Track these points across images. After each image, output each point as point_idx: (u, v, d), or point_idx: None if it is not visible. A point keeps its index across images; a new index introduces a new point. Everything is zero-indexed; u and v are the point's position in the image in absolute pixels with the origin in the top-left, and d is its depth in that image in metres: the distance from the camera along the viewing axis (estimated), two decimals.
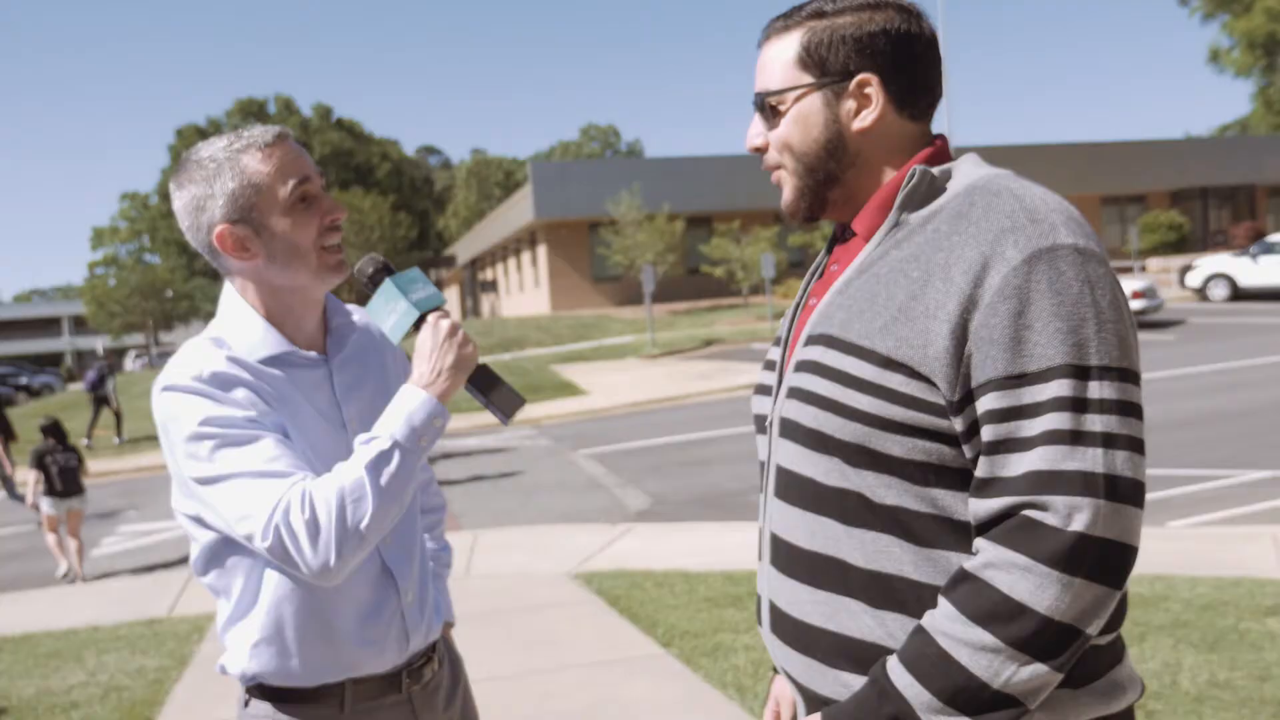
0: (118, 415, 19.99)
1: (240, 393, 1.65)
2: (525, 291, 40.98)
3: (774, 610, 1.42)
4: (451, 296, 57.98)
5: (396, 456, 1.59)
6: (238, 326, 1.73)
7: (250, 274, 1.73)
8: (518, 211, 38.77)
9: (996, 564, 1.17)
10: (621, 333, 29.89)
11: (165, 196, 70.02)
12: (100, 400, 19.74)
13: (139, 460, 17.02)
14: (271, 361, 1.72)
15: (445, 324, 1.66)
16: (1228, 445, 9.59)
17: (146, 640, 6.25)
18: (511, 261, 43.72)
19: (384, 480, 1.57)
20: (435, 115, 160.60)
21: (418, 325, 1.68)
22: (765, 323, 28.31)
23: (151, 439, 19.46)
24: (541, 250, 37.20)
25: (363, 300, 1.80)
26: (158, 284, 64.91)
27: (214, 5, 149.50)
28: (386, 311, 1.68)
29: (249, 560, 1.70)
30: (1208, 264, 25.28)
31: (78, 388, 42.28)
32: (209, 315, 71.37)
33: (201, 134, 71.63)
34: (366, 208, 47.38)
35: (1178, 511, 7.50)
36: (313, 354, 1.78)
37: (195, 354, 1.69)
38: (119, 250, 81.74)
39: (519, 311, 41.09)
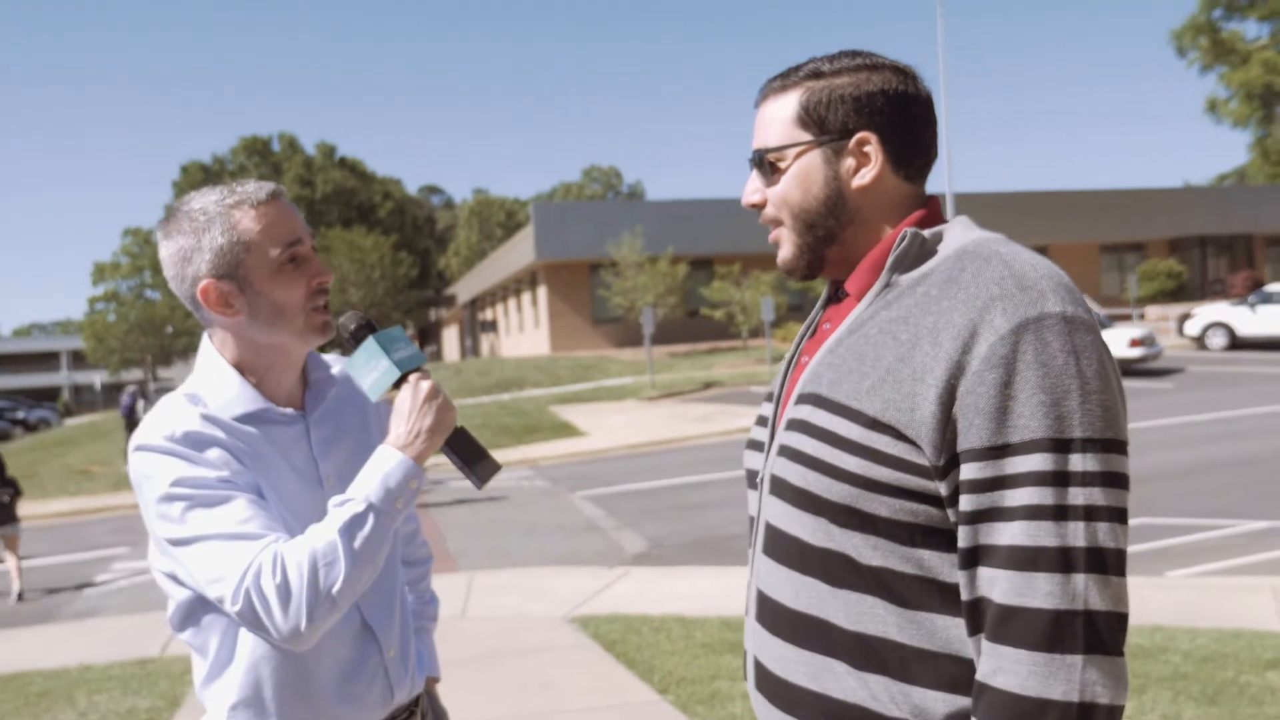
0: None
1: (213, 452, 1.62)
2: (525, 332, 41.05)
3: (759, 668, 1.42)
4: (451, 336, 58.01)
5: (371, 520, 1.56)
6: (214, 383, 1.72)
7: (232, 329, 1.72)
8: (519, 252, 38.94)
9: (1003, 668, 1.18)
10: (621, 374, 29.89)
11: None
12: (134, 425, 20.77)
13: (133, 497, 16.92)
14: (247, 419, 1.70)
15: (426, 385, 1.65)
16: (1226, 495, 9.57)
17: (139, 680, 6.19)
18: (512, 301, 43.84)
19: (357, 544, 1.54)
20: (438, 155, 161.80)
21: (398, 384, 1.67)
22: (764, 366, 28.33)
23: None
24: (542, 291, 37.31)
25: (345, 351, 1.80)
26: (157, 320, 65.04)
27: (220, 42, 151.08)
28: (367, 369, 1.67)
29: (225, 619, 1.67)
30: (1206, 313, 25.36)
31: (76, 422, 42.25)
32: None
33: (206, 171, 72.11)
34: (368, 246, 47.61)
35: (1177, 561, 7.47)
36: (289, 411, 1.75)
37: (169, 412, 1.67)
38: (120, 286, 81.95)
39: (518, 351, 41.13)
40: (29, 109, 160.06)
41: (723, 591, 7.36)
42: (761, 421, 1.52)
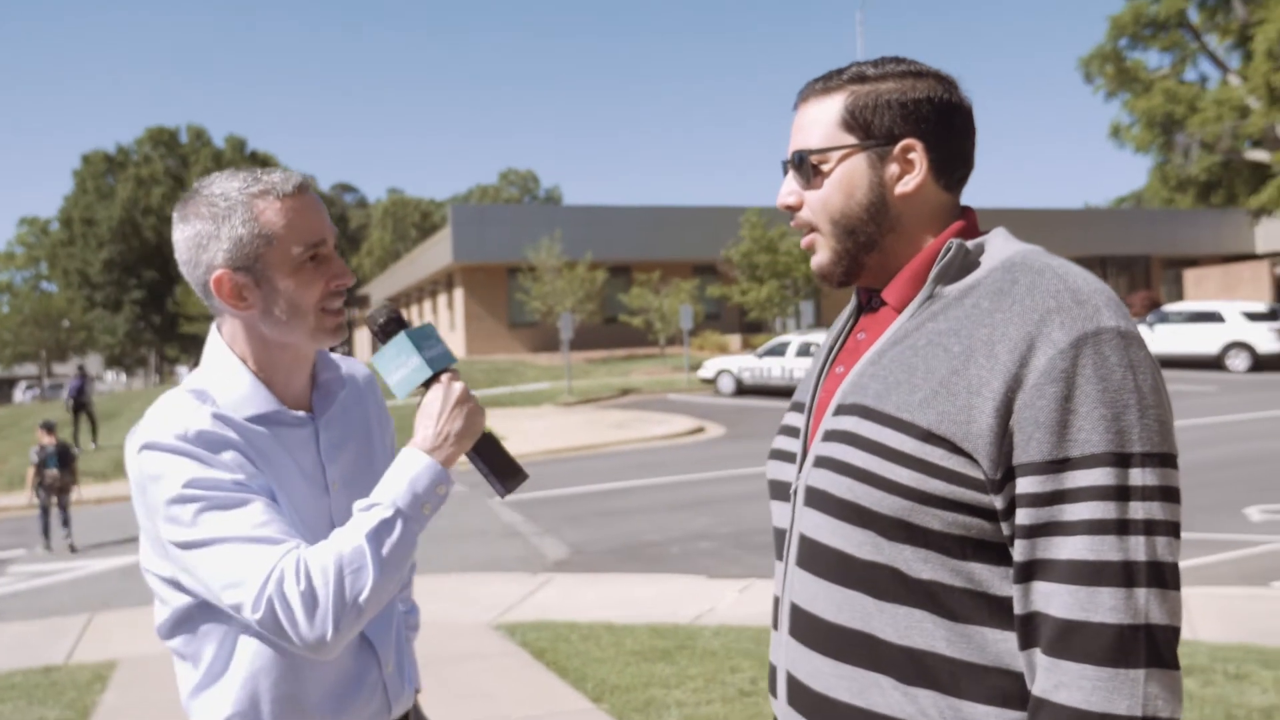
0: (94, 423, 22.41)
1: (227, 454, 1.53)
2: (441, 334, 40.52)
3: (793, 683, 1.39)
4: (364, 337, 57.13)
5: (399, 526, 1.49)
6: (223, 379, 1.62)
7: (243, 322, 1.63)
8: (435, 253, 38.53)
9: (1065, 683, 1.17)
10: (538, 379, 29.75)
11: (67, 223, 68.06)
12: (80, 407, 22.01)
13: (30, 498, 16.27)
14: (258, 419, 1.61)
15: (458, 387, 1.58)
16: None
17: (43, 690, 5.93)
18: (427, 303, 43.33)
19: (385, 551, 1.47)
20: (352, 152, 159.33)
21: (427, 384, 1.60)
22: (682, 373, 28.46)
23: None
24: (459, 293, 36.97)
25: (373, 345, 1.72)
26: (53, 313, 62.79)
27: (125, 31, 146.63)
28: (395, 365, 1.60)
29: (223, 627, 1.59)
30: None
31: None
32: (107, 347, 69.20)
33: (109, 160, 69.92)
34: None
35: None
36: (300, 413, 1.67)
37: (177, 410, 1.57)
38: (14, 277, 78.96)
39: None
40: None
41: (649, 598, 7.36)
42: (789, 431, 1.49)
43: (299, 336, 1.62)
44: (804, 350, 23.43)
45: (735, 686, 5.09)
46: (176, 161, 70.57)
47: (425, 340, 1.61)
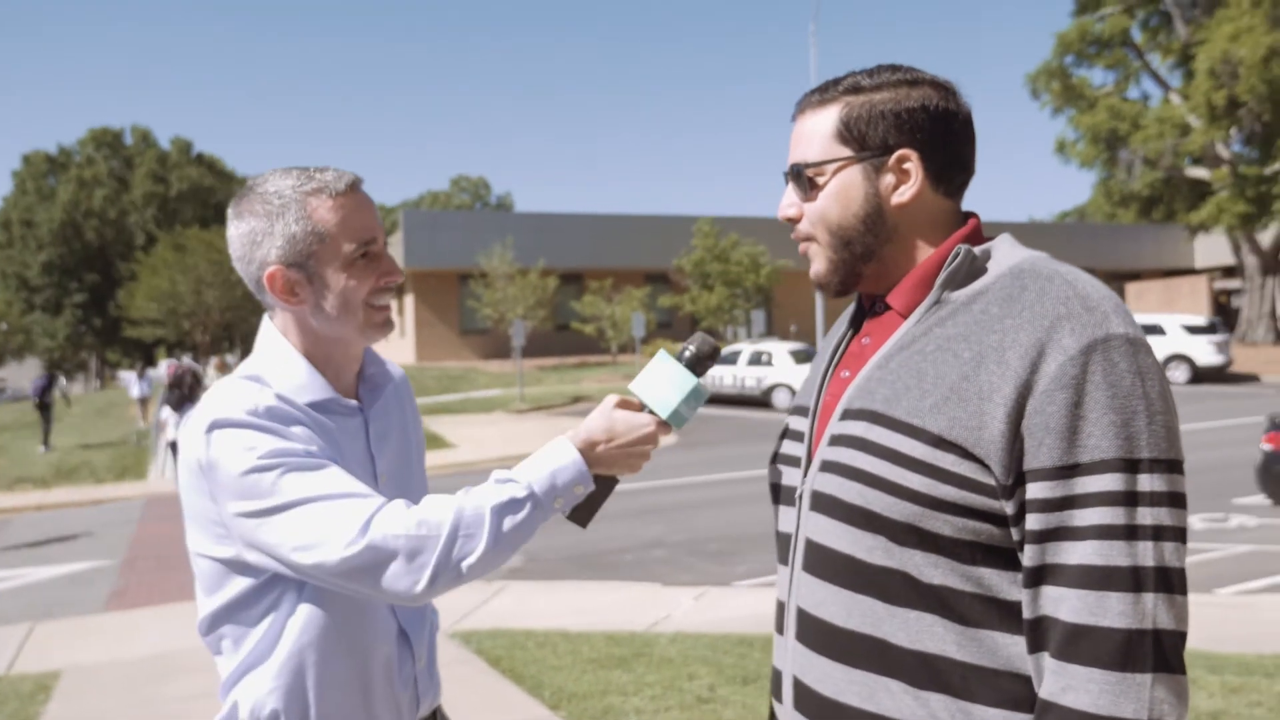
0: (48, 425, 22.36)
1: (298, 429, 1.56)
2: (390, 341, 40.20)
3: (800, 688, 1.38)
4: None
5: (527, 508, 1.50)
6: (281, 366, 1.65)
7: (295, 317, 1.66)
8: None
9: (1072, 686, 1.18)
10: (489, 386, 29.62)
11: (6, 225, 66.59)
12: (46, 407, 22.19)
13: None
14: (316, 406, 1.64)
15: (652, 437, 1.58)
16: None
17: None
18: None
19: (505, 527, 1.48)
20: (301, 156, 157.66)
21: (653, 414, 1.59)
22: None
23: None
24: (409, 300, 36.69)
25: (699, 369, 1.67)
26: None
27: (68, 30, 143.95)
28: (662, 383, 1.58)
29: (275, 611, 1.60)
30: None
31: None
32: (46, 351, 67.72)
33: (51, 161, 68.60)
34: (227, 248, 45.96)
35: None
36: (352, 402, 1.70)
37: (240, 391, 1.59)
38: None
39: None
40: None
41: (605, 606, 7.35)
42: (794, 436, 1.49)
43: (349, 331, 1.65)
44: (755, 359, 23.54)
45: (693, 694, 5.09)
46: (120, 163, 69.39)
47: (694, 400, 1.60)
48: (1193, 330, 25.48)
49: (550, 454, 1.55)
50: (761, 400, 23.12)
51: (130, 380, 30.18)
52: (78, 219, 64.94)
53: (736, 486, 13.10)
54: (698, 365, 1.59)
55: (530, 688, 5.38)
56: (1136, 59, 35.10)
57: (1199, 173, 33.47)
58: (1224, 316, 37.98)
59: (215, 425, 1.54)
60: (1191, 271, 42.78)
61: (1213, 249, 42.61)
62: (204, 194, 67.95)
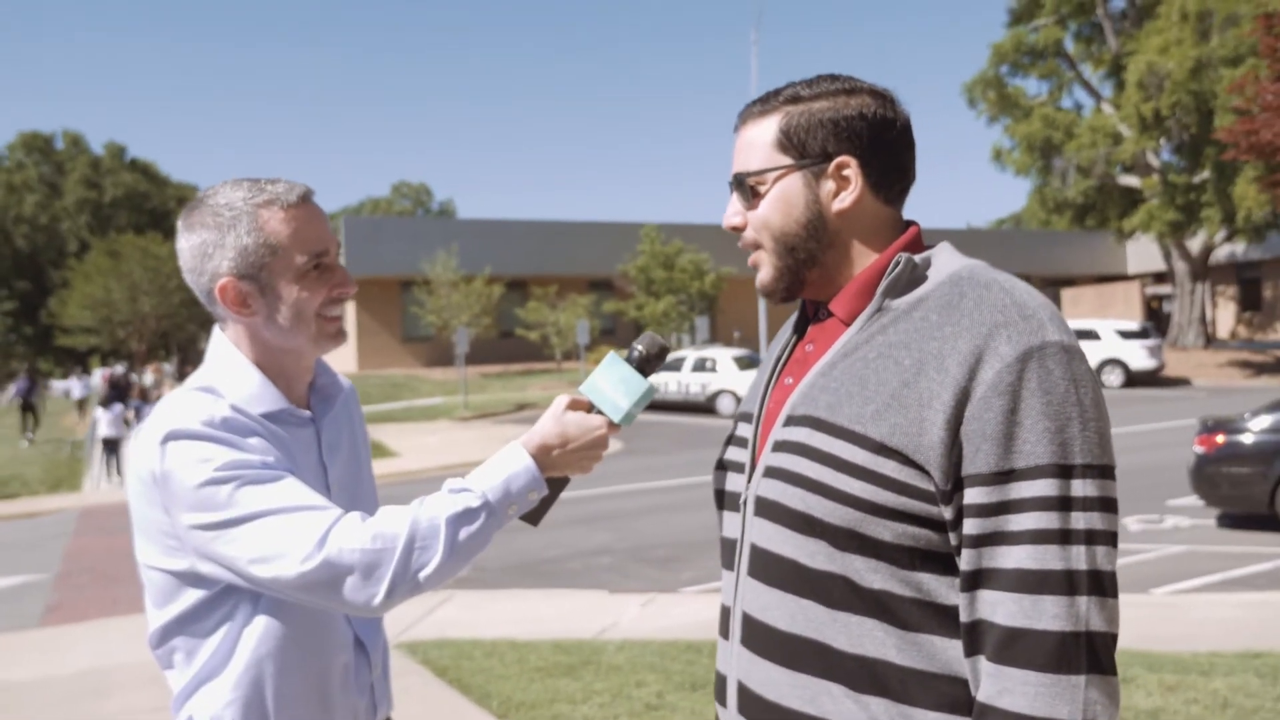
0: (37, 420, 25.43)
1: (255, 440, 1.54)
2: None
3: (743, 691, 1.39)
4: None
5: (482, 518, 1.51)
6: (234, 377, 1.64)
7: (246, 328, 1.65)
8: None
9: (1009, 689, 1.20)
10: (432, 394, 29.40)
11: None
12: (28, 406, 25.07)
13: None
14: (270, 417, 1.63)
15: (604, 439, 1.62)
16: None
17: None
18: None
19: (461, 537, 1.49)
20: (238, 162, 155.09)
21: (601, 413, 1.62)
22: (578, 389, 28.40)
23: None
24: (351, 307, 36.30)
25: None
26: None
27: None
28: (611, 387, 1.61)
29: (229, 622, 1.59)
30: None
31: None
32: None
33: None
34: (164, 254, 45.19)
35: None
36: (305, 413, 1.70)
37: (194, 403, 1.57)
38: None
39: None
40: None
41: (551, 614, 7.33)
42: (738, 442, 1.50)
43: (301, 342, 1.65)
44: (699, 365, 23.63)
45: (641, 701, 5.09)
46: (51, 168, 67.90)
47: (643, 401, 1.63)
48: (1126, 335, 26.07)
49: (504, 461, 1.56)
50: (706, 406, 23.22)
51: (71, 385, 31.46)
52: (7, 225, 63.44)
53: (682, 493, 13.13)
54: (646, 365, 1.62)
55: (478, 698, 5.35)
56: (1069, 69, 35.78)
57: (1130, 181, 34.21)
58: (1156, 321, 38.93)
59: (170, 437, 1.52)
60: (1124, 277, 43.72)
61: (1144, 255, 43.63)
62: (138, 200, 66.76)
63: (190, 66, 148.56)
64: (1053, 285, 44.38)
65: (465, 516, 1.49)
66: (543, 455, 1.58)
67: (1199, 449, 9.69)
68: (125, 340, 48.46)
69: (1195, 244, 34.22)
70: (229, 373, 1.65)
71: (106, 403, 18.46)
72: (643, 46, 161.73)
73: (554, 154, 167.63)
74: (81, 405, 26.66)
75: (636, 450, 17.70)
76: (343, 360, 37.03)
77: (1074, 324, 26.86)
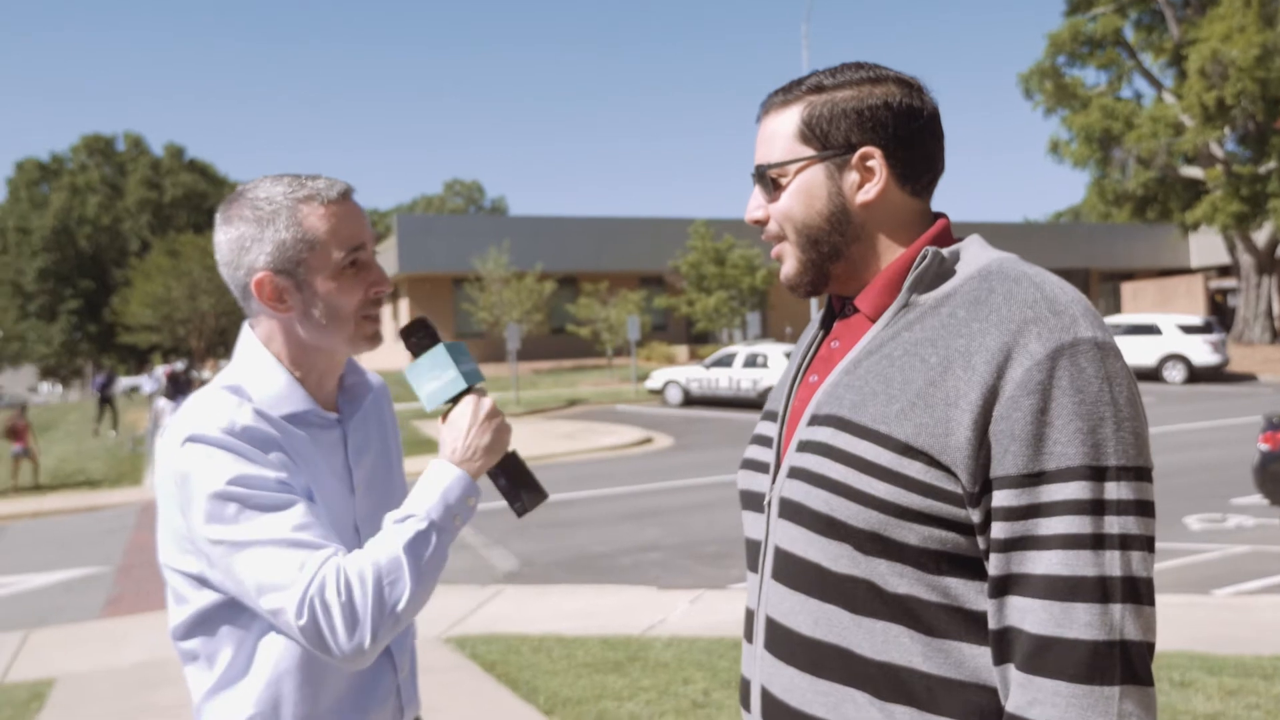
0: (116, 414, 26.79)
1: (273, 453, 1.54)
2: (386, 345, 40.08)
3: (767, 697, 1.36)
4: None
5: (434, 537, 1.51)
6: (260, 377, 1.63)
7: (281, 325, 1.64)
8: (380, 263, 38.18)
9: (1040, 700, 1.16)
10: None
11: (0, 232, 66.48)
12: (106, 400, 26.43)
13: None
14: (293, 418, 1.62)
15: (487, 402, 1.61)
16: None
17: None
18: None
19: (423, 561, 1.50)
20: (294, 162, 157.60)
21: (457, 398, 1.61)
22: (629, 384, 28.45)
23: None
24: (404, 304, 36.65)
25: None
26: None
27: (61, 38, 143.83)
28: (430, 376, 1.60)
29: (245, 629, 1.58)
30: None
31: None
32: (42, 358, 67.65)
33: (43, 169, 68.51)
34: None
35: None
36: (330, 415, 1.69)
37: (218, 405, 1.57)
38: None
39: (379, 365, 40.19)
40: None
41: (600, 610, 7.32)
42: (762, 441, 1.47)
43: (335, 341, 1.64)
44: (751, 361, 23.54)
45: (688, 698, 5.07)
46: (113, 170, 69.34)
47: (461, 355, 1.63)
48: (1189, 330, 25.51)
49: (433, 478, 1.57)
50: (757, 402, 23.11)
51: (141, 380, 33.30)
52: (71, 225, 64.91)
53: (732, 489, 13.01)
54: (425, 340, 1.64)
55: (525, 693, 5.36)
56: (1129, 58, 35.06)
57: (1193, 172, 33.46)
58: (1220, 316, 38.00)
59: (191, 439, 1.52)
60: (1187, 271, 42.84)
61: (1208, 248, 42.71)
62: (197, 200, 67.94)
63: (247, 67, 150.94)
64: (1113, 279, 43.60)
65: (419, 540, 1.50)
66: (462, 457, 1.58)
67: (1264, 446, 9.42)
68: (185, 338, 49.36)
69: (1261, 236, 33.41)
70: (256, 371, 1.63)
71: (170, 397, 18.84)
72: (694, 42, 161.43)
73: (605, 150, 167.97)
74: (152, 400, 27.75)
75: (688, 446, 17.67)
76: (396, 357, 37.40)
77: (1135, 319, 26.38)
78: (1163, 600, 6.87)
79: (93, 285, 65.07)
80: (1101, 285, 44.32)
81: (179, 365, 37.63)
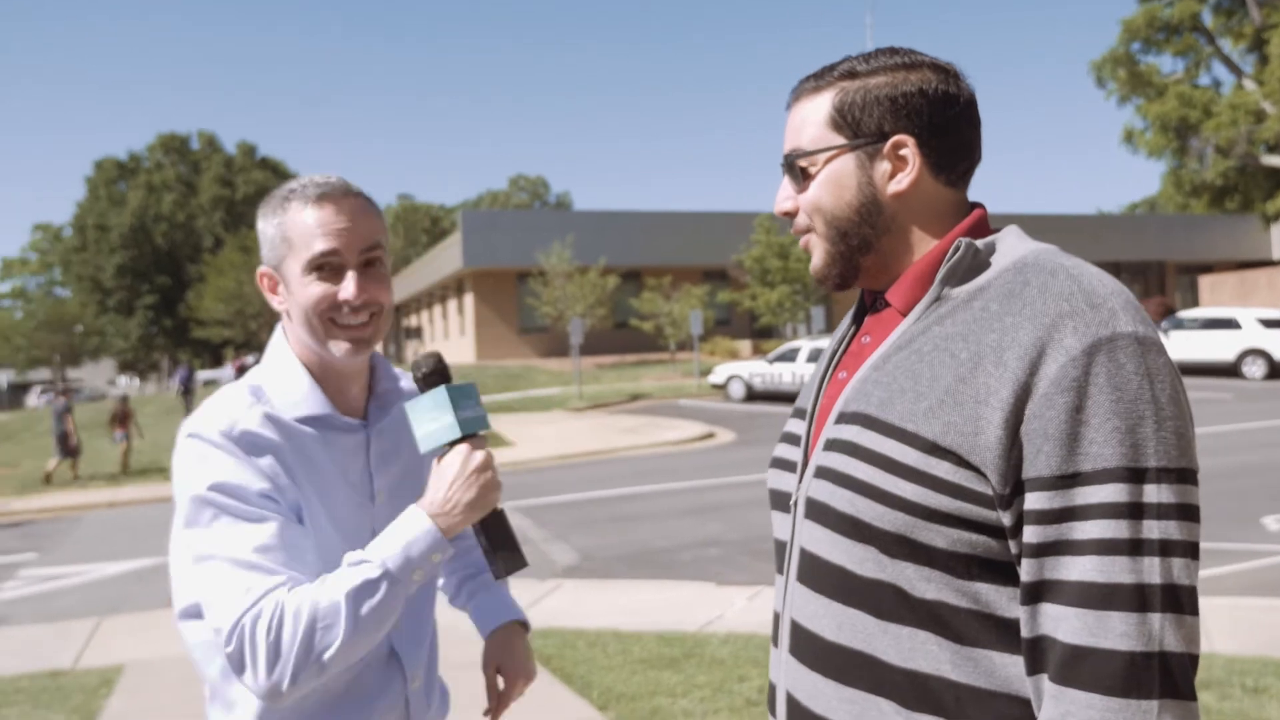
0: (194, 408, 29.90)
1: (266, 460, 1.53)
2: (451, 339, 40.63)
3: (792, 703, 1.33)
4: None
5: (384, 588, 1.46)
6: (281, 378, 1.63)
7: (287, 322, 1.66)
8: (446, 259, 38.57)
9: (1072, 713, 1.10)
10: (547, 384, 29.73)
11: (80, 229, 68.42)
12: (188, 393, 27.60)
13: (41, 502, 16.34)
14: (309, 421, 1.61)
15: (479, 456, 1.53)
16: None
17: (49, 694, 5.91)
18: (437, 309, 43.37)
19: (363, 611, 1.44)
20: (362, 158, 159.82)
21: (454, 443, 1.56)
22: (692, 379, 28.40)
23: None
24: (469, 299, 36.98)
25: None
26: (66, 318, 63.15)
27: (138, 38, 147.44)
28: (428, 418, 1.55)
29: None
30: None
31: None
32: (120, 352, 69.50)
33: (121, 167, 70.29)
34: None
35: None
36: (352, 420, 1.67)
37: (230, 404, 1.58)
38: (28, 283, 79.34)
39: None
40: None
41: (659, 605, 7.30)
42: (790, 439, 1.43)
43: (313, 342, 1.62)
44: (815, 356, 23.34)
45: (742, 695, 5.02)
46: (188, 168, 70.93)
47: (464, 399, 1.56)
48: (1269, 324, 24.71)
49: (402, 526, 1.51)
50: None
51: (222, 374, 34.92)
52: (147, 223, 66.56)
53: None
54: (432, 378, 1.56)
55: (579, 688, 5.36)
56: (1207, 44, 34.17)
57: (1275, 161, 32.49)
58: None
59: (191, 434, 1.54)
60: (1269, 263, 41.54)
61: None
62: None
63: (316, 65, 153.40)
64: (1190, 272, 42.46)
65: (365, 589, 1.45)
66: (440, 510, 1.51)
67: None
68: (256, 332, 50.33)
69: None
70: (278, 371, 1.64)
71: None
72: (760, 34, 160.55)
73: (670, 145, 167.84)
74: None
75: (750, 441, 17.58)
76: (461, 351, 37.80)
77: (1212, 312, 25.64)
78: (1238, 603, 6.66)
79: (168, 281, 66.68)
80: (1178, 278, 43.18)
81: (249, 359, 38.57)
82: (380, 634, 1.49)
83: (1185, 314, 25.81)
